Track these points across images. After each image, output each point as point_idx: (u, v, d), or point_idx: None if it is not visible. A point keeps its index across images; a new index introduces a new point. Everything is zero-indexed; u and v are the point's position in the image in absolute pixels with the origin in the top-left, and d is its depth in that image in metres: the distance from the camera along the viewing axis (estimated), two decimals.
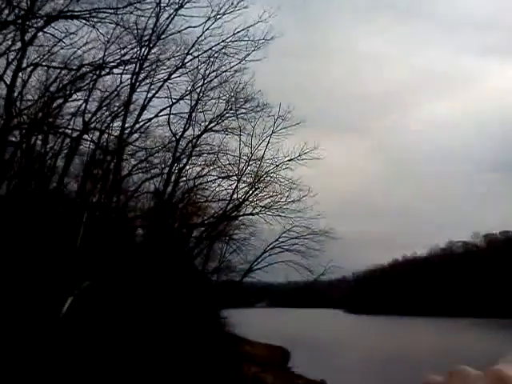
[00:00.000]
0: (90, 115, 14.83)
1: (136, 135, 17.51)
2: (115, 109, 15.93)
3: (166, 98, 17.61)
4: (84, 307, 11.33)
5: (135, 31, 14.99)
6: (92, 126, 14.68)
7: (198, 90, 19.00)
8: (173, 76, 17.24)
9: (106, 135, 15.90)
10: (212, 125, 20.50)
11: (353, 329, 73.57)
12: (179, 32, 16.35)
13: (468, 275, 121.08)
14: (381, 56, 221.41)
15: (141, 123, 17.42)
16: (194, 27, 16.81)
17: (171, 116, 18.98)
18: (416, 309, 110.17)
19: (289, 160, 20.42)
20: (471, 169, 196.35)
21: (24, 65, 12.85)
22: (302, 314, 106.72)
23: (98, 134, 15.24)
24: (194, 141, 20.85)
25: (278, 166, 20.57)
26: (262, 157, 20.44)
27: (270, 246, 23.74)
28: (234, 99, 19.75)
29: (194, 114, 19.77)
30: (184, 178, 22.92)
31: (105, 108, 15.64)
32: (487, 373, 0.51)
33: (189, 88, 18.50)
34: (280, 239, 23.40)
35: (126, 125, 16.08)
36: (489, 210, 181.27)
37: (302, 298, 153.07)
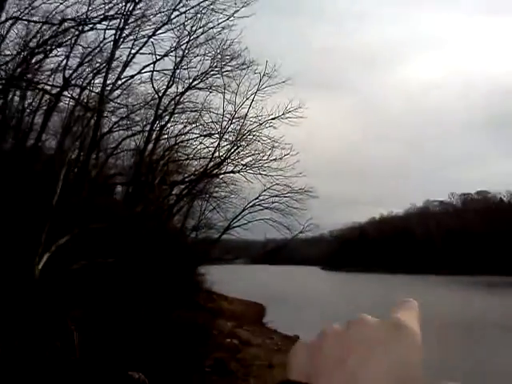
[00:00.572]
0: (70, 71, 14.64)
1: (118, 92, 17.35)
2: (97, 65, 15.70)
3: (149, 54, 17.39)
4: (62, 263, 11.58)
5: None
6: (73, 82, 14.50)
7: (183, 47, 18.77)
8: (158, 32, 16.97)
9: (86, 92, 15.75)
10: (196, 82, 20.35)
11: (328, 285, 75.67)
12: None
13: (444, 233, 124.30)
14: (367, 14, 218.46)
15: (123, 80, 17.22)
16: None
17: (154, 73, 18.79)
18: (392, 266, 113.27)
19: (272, 118, 20.51)
20: (454, 130, 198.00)
21: (3, 18, 12.55)
22: (279, 271, 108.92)
23: (78, 90, 15.08)
24: (177, 98, 20.72)
25: (261, 124, 20.66)
26: (246, 115, 20.47)
27: (250, 204, 24.13)
28: (219, 56, 19.57)
29: (178, 71, 19.59)
30: (165, 136, 22.92)
31: (86, 64, 15.41)
32: (385, 321, 0.53)
33: (174, 45, 18.27)
34: (260, 197, 23.77)
35: (108, 81, 15.90)
36: (468, 171, 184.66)
37: (280, 255, 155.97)
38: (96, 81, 15.85)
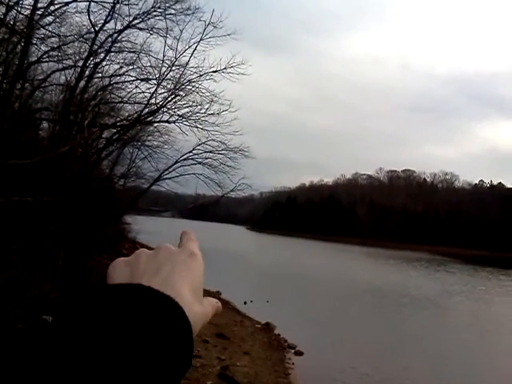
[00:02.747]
0: None
1: (50, 19, 15.90)
2: None
3: None
4: None
5: None
6: None
7: None
8: None
9: (13, 12, 14.23)
10: (136, 21, 19.12)
11: (250, 244, 77.11)
12: None
13: (368, 205, 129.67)
14: None
15: (56, 6, 15.79)
16: None
17: (92, 4, 17.38)
18: (316, 231, 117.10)
19: (214, 71, 19.78)
20: (389, 107, 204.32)
21: None
22: (206, 227, 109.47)
23: (3, 9, 13.61)
24: (115, 35, 19.43)
25: (201, 75, 19.88)
26: (187, 63, 19.59)
27: (183, 157, 23.52)
28: None
29: (117, 6, 18.24)
30: (99, 75, 21.58)
31: None
32: (184, 249, 0.71)
33: None
34: (194, 151, 23.21)
35: (39, 5, 14.50)
36: (396, 150, 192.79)
37: (209, 212, 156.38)
38: (25, 2, 14.35)
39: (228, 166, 22.49)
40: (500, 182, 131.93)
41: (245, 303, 23.03)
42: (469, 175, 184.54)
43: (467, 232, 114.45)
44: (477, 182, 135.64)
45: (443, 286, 40.10)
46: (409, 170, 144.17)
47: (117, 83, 22.63)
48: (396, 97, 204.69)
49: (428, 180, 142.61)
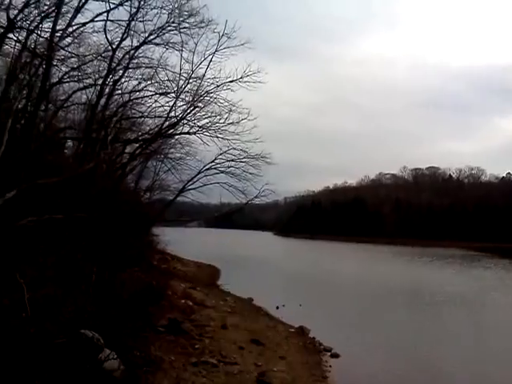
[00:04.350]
0: (16, 12, 13.43)
1: (68, 40, 16.15)
2: (45, 8, 14.48)
3: (103, 1, 16.21)
4: (8, 219, 10.87)
5: None
6: (18, 24, 13.34)
7: None
8: None
9: (34, 36, 14.55)
10: (152, 37, 19.32)
11: (278, 249, 76.93)
12: None
13: (394, 205, 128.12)
14: None
15: (74, 27, 16.05)
16: None
17: (108, 23, 17.62)
18: (342, 233, 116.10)
19: (230, 81, 19.79)
20: (405, 105, 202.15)
21: None
22: (233, 235, 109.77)
23: (25, 34, 13.92)
24: (132, 52, 19.67)
25: (218, 86, 19.93)
26: (203, 75, 19.66)
27: (206, 167, 23.61)
28: (177, 11, 18.57)
29: (133, 23, 18.47)
30: (119, 91, 21.87)
31: (33, 6, 14.17)
32: None
33: None
34: (216, 161, 23.27)
35: (58, 27, 14.78)
36: (419, 147, 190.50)
37: (235, 220, 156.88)
38: (44, 25, 14.65)
39: (250, 173, 22.48)
40: None
41: (277, 308, 22.95)
42: (495, 169, 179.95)
43: (497, 225, 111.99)
44: (504, 175, 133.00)
45: (480, 282, 39.28)
46: (433, 167, 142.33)
47: (136, 98, 22.93)
48: (411, 95, 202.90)
49: (454, 176, 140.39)
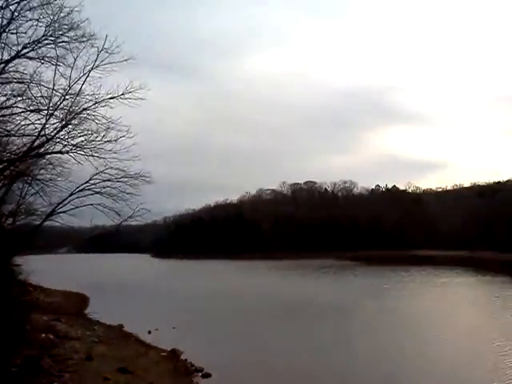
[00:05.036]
0: None
1: None
2: None
3: None
4: None
5: None
6: None
7: (12, 8, 16.39)
8: None
9: None
10: (26, 50, 18.04)
11: (154, 273, 75.05)
12: None
13: (273, 220, 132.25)
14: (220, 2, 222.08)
15: None
16: None
17: None
18: (225, 251, 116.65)
19: (111, 98, 19.14)
20: (289, 122, 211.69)
21: None
22: (106, 259, 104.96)
23: None
24: (2, 66, 18.23)
25: (97, 103, 19.11)
26: (79, 91, 18.74)
27: (79, 188, 22.41)
28: (56, 25, 17.54)
29: (4, 35, 17.12)
30: None
31: None
32: None
33: (0, 4, 15.82)
34: (91, 181, 22.15)
35: None
36: (300, 162, 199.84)
37: (109, 243, 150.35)
38: None
39: (128, 193, 21.67)
40: (394, 186, 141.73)
41: (149, 333, 22.38)
42: (366, 181, 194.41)
43: (367, 234, 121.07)
44: (373, 187, 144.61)
45: (350, 289, 42.18)
46: (310, 181, 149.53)
47: (3, 115, 21.20)
48: (295, 112, 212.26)
49: (329, 189, 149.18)
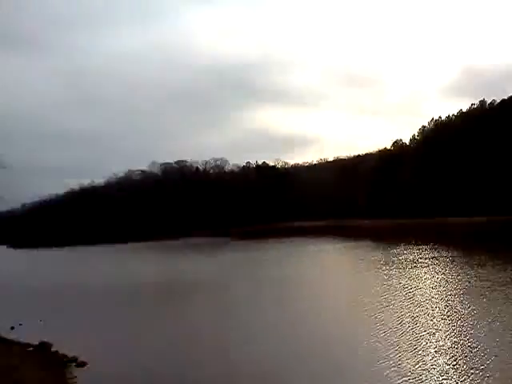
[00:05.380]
0: None
1: None
2: None
3: None
4: None
5: None
6: None
7: None
8: None
9: None
10: None
11: (21, 267, 68.73)
12: None
13: (144, 201, 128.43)
14: None
15: None
16: None
17: None
18: (93, 237, 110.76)
19: None
20: (156, 101, 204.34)
21: None
22: None
23: None
24: None
25: None
26: None
27: None
28: None
29: None
30: None
31: None
32: None
33: None
34: None
35: None
36: (171, 142, 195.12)
37: None
38: None
39: None
40: (264, 162, 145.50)
41: (12, 328, 20.51)
42: (238, 159, 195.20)
43: (239, 211, 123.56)
44: (244, 164, 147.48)
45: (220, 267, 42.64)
46: (182, 160, 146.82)
47: None
48: (161, 90, 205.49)
49: (200, 168, 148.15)
